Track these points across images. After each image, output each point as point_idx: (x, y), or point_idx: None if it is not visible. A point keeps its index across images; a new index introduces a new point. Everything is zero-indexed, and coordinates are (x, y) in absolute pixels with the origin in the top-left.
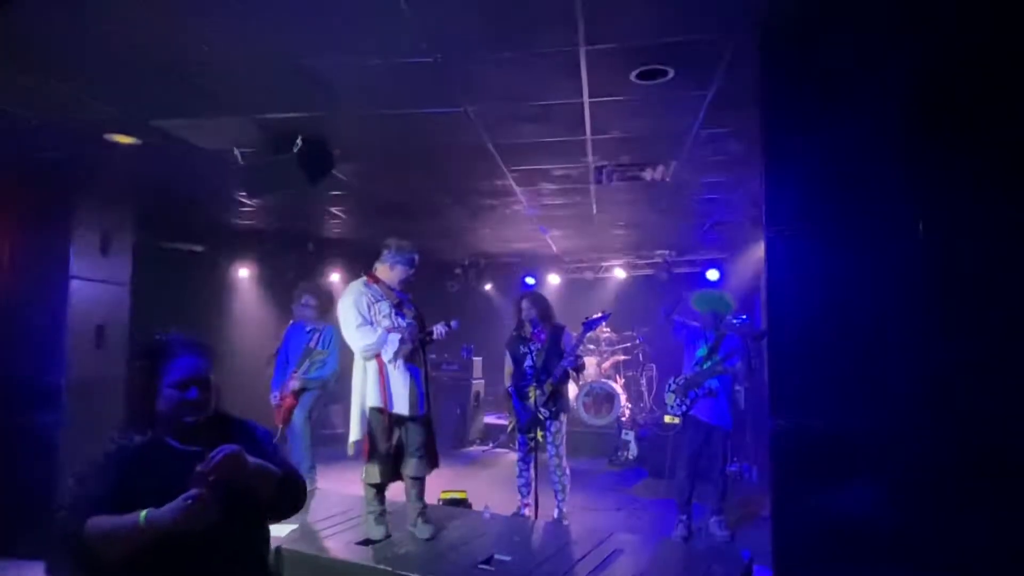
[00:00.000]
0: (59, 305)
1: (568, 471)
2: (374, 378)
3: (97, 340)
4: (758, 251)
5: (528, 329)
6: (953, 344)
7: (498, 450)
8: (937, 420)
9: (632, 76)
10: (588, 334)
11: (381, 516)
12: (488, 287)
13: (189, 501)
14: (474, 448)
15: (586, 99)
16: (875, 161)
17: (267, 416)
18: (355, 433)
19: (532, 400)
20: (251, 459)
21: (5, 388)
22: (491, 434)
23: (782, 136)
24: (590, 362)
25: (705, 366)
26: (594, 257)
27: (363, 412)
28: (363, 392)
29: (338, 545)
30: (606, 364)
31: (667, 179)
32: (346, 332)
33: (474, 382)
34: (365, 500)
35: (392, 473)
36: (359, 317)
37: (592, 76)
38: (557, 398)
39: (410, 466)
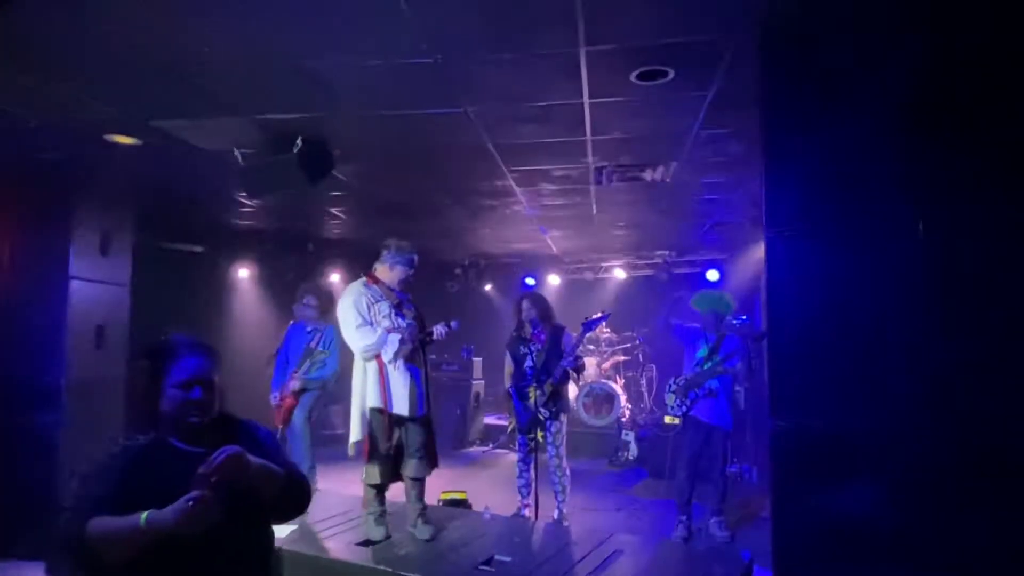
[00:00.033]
0: (59, 305)
1: (568, 472)
2: (374, 379)
3: (97, 340)
4: (758, 251)
5: (528, 330)
6: (953, 344)
7: (498, 451)
8: (937, 420)
9: (632, 77)
10: (588, 334)
11: (381, 517)
12: (488, 287)
13: (190, 503)
14: (474, 449)
15: (586, 100)
16: (875, 161)
17: (267, 417)
18: (355, 434)
19: (532, 401)
20: (253, 459)
21: (5, 388)
22: (491, 435)
23: (782, 136)
24: (590, 363)
25: (706, 367)
26: (594, 257)
27: (363, 413)
28: (363, 393)
29: (338, 546)
30: (606, 364)
31: (667, 180)
32: (346, 333)
33: (474, 383)
34: (365, 501)
35: (392, 474)
36: (359, 317)
37: (592, 77)
38: (557, 399)
39: (410, 467)
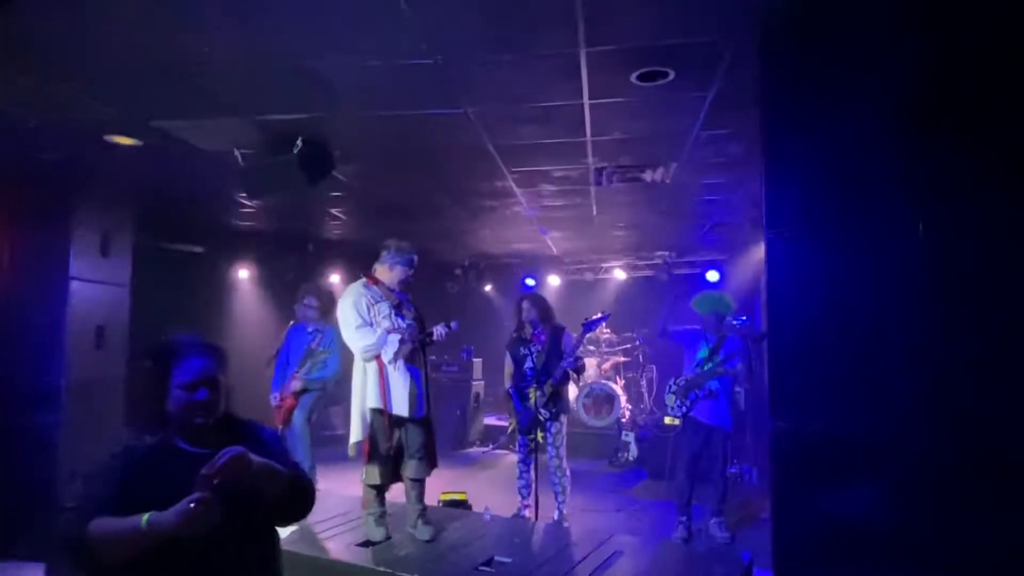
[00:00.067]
0: (59, 306)
1: (568, 472)
2: (374, 379)
3: (97, 341)
4: (758, 252)
5: (528, 330)
6: (953, 344)
7: (498, 451)
8: (937, 420)
9: (632, 78)
10: (588, 335)
11: (381, 518)
12: (488, 288)
13: (192, 505)
14: (474, 449)
15: (586, 101)
16: (875, 161)
17: (266, 417)
18: (355, 434)
19: (532, 401)
20: (256, 458)
21: (5, 388)
22: (491, 435)
23: (782, 136)
24: (590, 363)
25: (706, 367)
26: (594, 258)
27: (363, 413)
28: (363, 393)
29: (338, 546)
30: (606, 365)
31: (667, 180)
32: (346, 333)
33: (474, 383)
34: (365, 501)
35: (392, 474)
36: (359, 318)
37: (592, 78)
38: (557, 399)
39: (410, 468)
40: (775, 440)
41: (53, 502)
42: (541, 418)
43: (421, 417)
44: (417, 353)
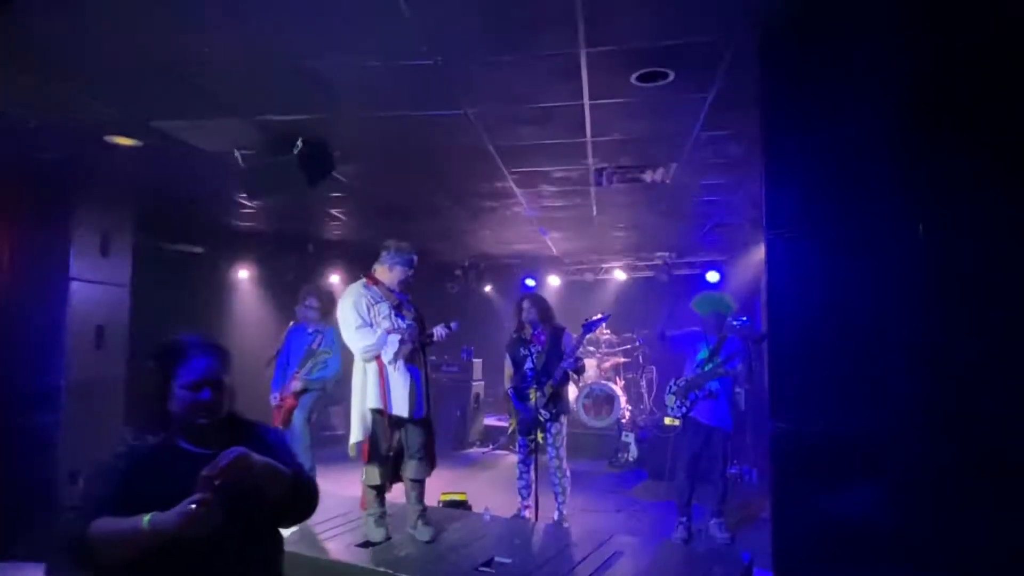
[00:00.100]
0: (59, 306)
1: (568, 473)
2: (374, 380)
3: (97, 341)
4: (758, 253)
5: (528, 331)
6: (953, 344)
7: (498, 452)
8: (937, 420)
9: (632, 78)
10: (588, 336)
11: (381, 518)
12: (488, 289)
13: (194, 505)
14: (474, 450)
15: (586, 101)
16: (875, 161)
17: (266, 418)
18: (355, 435)
19: (532, 402)
20: (259, 459)
21: (5, 388)
22: (491, 436)
23: (782, 137)
24: (590, 364)
25: (706, 368)
26: (594, 259)
27: (363, 414)
28: (363, 394)
29: (338, 547)
30: (606, 366)
31: (667, 181)
32: (346, 334)
33: (474, 384)
34: (365, 502)
35: (392, 475)
36: (358, 319)
37: (592, 78)
38: (557, 400)
39: (410, 468)
40: (775, 440)
41: (53, 502)
42: (541, 419)
43: (421, 417)
44: (417, 353)
